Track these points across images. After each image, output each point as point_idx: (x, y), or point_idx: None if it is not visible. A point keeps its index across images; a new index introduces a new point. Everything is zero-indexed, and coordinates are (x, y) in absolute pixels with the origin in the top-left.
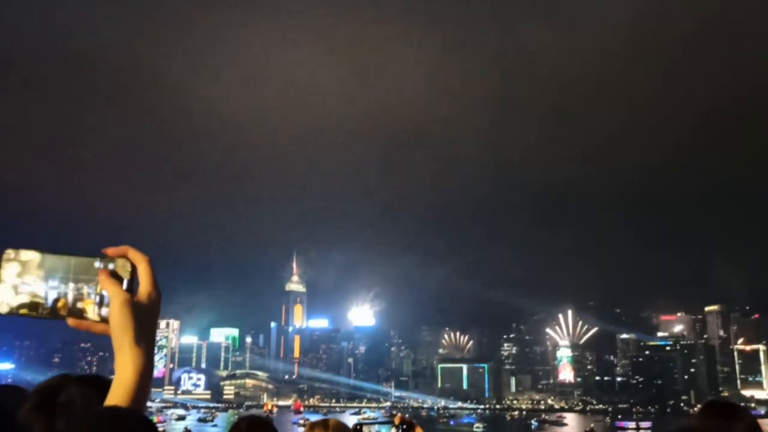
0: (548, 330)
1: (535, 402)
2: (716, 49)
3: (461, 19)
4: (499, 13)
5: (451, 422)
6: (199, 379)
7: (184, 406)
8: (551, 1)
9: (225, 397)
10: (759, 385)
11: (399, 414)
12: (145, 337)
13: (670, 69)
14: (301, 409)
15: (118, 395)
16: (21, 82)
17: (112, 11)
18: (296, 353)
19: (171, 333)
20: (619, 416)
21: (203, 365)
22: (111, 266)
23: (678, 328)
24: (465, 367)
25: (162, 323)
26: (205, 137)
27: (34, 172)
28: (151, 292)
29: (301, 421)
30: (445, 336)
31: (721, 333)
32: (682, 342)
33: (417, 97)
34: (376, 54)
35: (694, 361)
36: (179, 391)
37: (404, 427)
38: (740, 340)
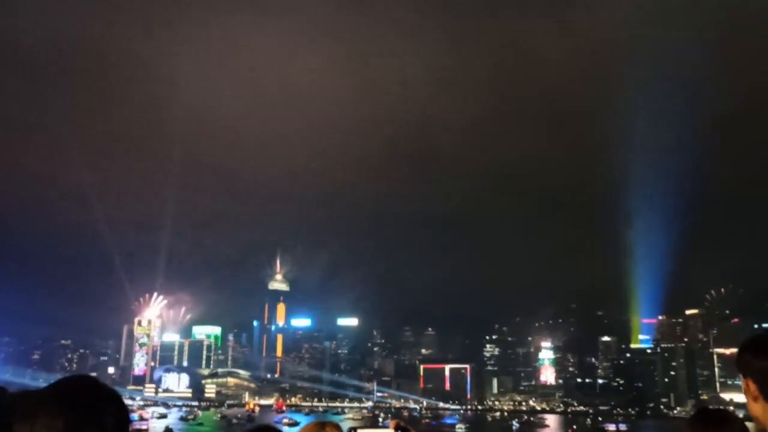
0: (530, 332)
1: (516, 403)
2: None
3: (462, 17)
4: (501, 12)
5: (433, 422)
6: (180, 378)
7: (165, 405)
8: (555, 2)
9: (206, 395)
10: (738, 388)
11: (395, 420)
12: None
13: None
14: (284, 408)
15: None
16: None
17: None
18: (279, 352)
19: (152, 331)
20: (600, 418)
21: (185, 363)
22: None
23: (658, 332)
24: (447, 367)
25: (144, 321)
26: (189, 133)
27: (10, 165)
28: None
29: (285, 420)
30: (428, 336)
31: (701, 337)
32: (662, 345)
33: (411, 97)
34: (373, 53)
35: (674, 364)
36: (160, 390)
37: None
38: (720, 344)
